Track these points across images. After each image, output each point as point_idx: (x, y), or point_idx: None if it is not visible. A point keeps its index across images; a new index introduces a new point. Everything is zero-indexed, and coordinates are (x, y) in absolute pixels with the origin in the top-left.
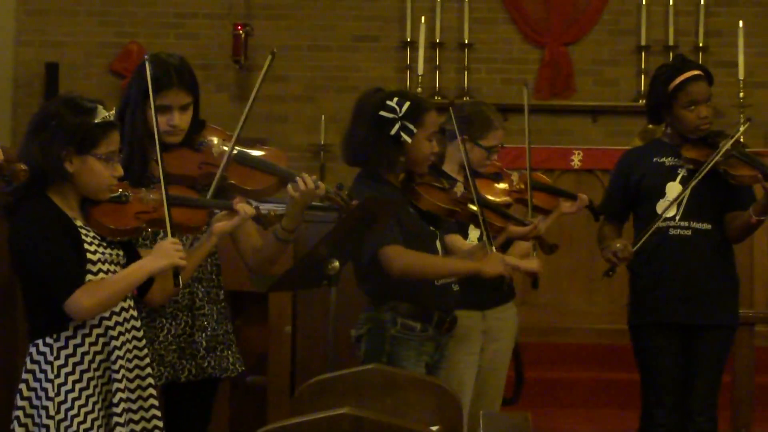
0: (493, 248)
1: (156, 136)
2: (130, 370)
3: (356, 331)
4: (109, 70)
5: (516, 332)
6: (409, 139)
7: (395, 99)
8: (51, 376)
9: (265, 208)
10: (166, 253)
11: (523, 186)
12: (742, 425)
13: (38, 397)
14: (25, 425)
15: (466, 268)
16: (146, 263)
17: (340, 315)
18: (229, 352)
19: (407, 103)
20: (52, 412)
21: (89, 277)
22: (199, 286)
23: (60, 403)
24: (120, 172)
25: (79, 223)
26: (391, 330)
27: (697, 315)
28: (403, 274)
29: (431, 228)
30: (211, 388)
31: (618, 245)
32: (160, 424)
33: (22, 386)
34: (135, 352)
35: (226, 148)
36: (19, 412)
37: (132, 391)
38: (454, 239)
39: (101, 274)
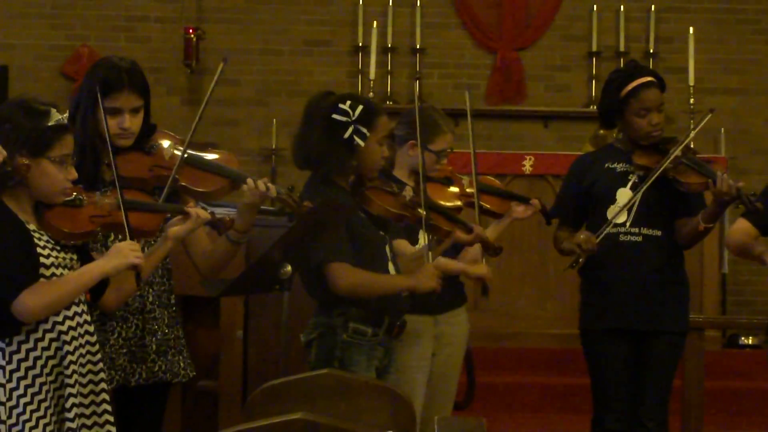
0: (431, 258)
1: (108, 140)
2: (83, 375)
3: (306, 336)
4: (59, 73)
5: (467, 337)
6: (361, 143)
7: (348, 102)
8: (2, 380)
9: (218, 212)
10: (120, 253)
11: (473, 190)
12: (692, 429)
13: None
14: None
15: (405, 284)
16: (99, 264)
17: (292, 320)
18: (180, 357)
19: (360, 107)
20: (3, 417)
21: (41, 280)
22: (149, 290)
23: (11, 408)
24: (74, 175)
25: (32, 227)
26: (343, 335)
27: (647, 321)
28: (347, 293)
29: (381, 233)
30: (162, 393)
31: (582, 237)
32: (113, 429)
33: None
34: (88, 357)
35: (177, 152)
36: None
37: (85, 396)
38: (400, 243)
39: (54, 278)
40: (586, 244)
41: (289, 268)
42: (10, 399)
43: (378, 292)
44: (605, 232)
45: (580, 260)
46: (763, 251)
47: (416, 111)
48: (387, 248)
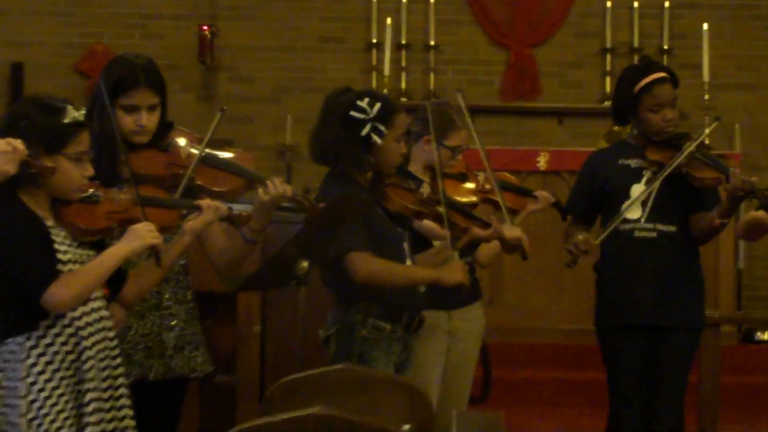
0: (456, 253)
1: (118, 136)
2: (102, 369)
3: (324, 331)
4: (74, 70)
5: (483, 332)
6: (379, 140)
7: (366, 99)
8: (22, 375)
9: (236, 208)
10: (138, 234)
11: (489, 186)
12: (708, 425)
13: (10, 396)
14: None
15: (428, 276)
16: (118, 247)
17: (309, 314)
18: (198, 352)
19: (378, 104)
20: (23, 411)
21: (66, 272)
22: (166, 287)
23: (31, 402)
24: (90, 171)
25: (49, 223)
26: (362, 331)
27: (663, 317)
28: (367, 282)
29: (399, 229)
30: (180, 388)
31: (580, 237)
32: (132, 423)
33: None
34: (106, 351)
35: (193, 150)
36: None
37: (103, 390)
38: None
39: (78, 269)
40: (584, 245)
41: (305, 263)
42: (29, 393)
43: (398, 282)
44: (613, 227)
45: (578, 261)
46: None
47: (422, 109)
48: (405, 244)
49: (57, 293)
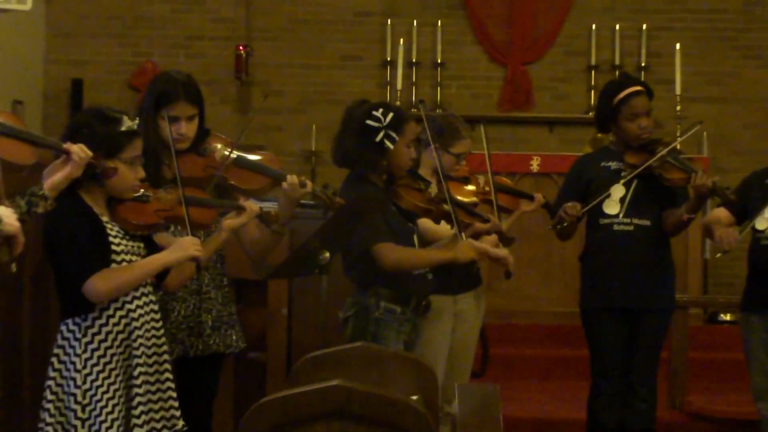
0: (464, 236)
1: (171, 144)
2: (149, 348)
3: (343, 313)
4: (127, 85)
5: (483, 315)
6: (391, 146)
7: (380, 110)
8: (79, 351)
9: (263, 206)
10: (183, 246)
11: (488, 188)
12: (677, 394)
13: (67, 369)
14: (56, 393)
15: (445, 256)
16: (163, 255)
17: (330, 299)
18: (233, 331)
19: (391, 114)
20: (79, 383)
21: (113, 266)
22: (205, 274)
23: (86, 375)
24: (142, 174)
25: (105, 219)
26: (375, 312)
27: (638, 300)
28: (394, 268)
29: (409, 224)
30: (217, 363)
31: (569, 204)
32: (174, 394)
33: (53, 360)
34: (153, 332)
35: (227, 153)
36: (51, 382)
37: (150, 366)
38: (424, 222)
39: (124, 264)
40: (571, 209)
41: (327, 254)
42: (85, 368)
43: (421, 265)
44: (596, 201)
45: (564, 224)
46: (720, 229)
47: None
48: (415, 237)
49: (96, 285)
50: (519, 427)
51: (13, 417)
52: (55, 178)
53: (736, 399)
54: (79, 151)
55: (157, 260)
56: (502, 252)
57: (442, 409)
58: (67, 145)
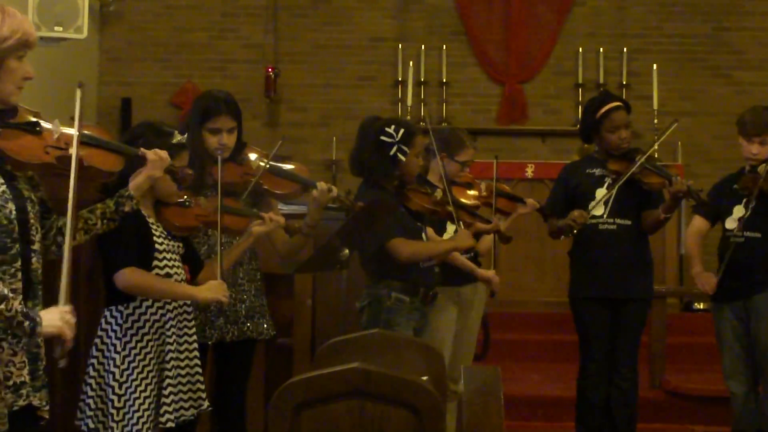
0: (462, 226)
1: (218, 157)
2: (180, 336)
3: (359, 303)
4: (170, 103)
5: (484, 304)
6: (403, 159)
7: (393, 126)
8: (119, 335)
9: (293, 209)
10: (214, 290)
11: (488, 193)
12: (657, 375)
13: (108, 351)
14: (97, 370)
15: (449, 246)
16: (197, 290)
17: (350, 291)
18: (264, 320)
19: (402, 130)
20: (118, 363)
21: (155, 263)
22: (240, 269)
23: (125, 356)
24: (159, 173)
25: (151, 220)
26: (387, 302)
27: (621, 290)
28: (409, 260)
29: (418, 224)
30: (250, 348)
31: (576, 213)
32: (201, 378)
33: (97, 341)
34: (185, 322)
35: (261, 163)
36: (94, 360)
37: (180, 351)
38: (429, 231)
39: (165, 261)
40: (580, 218)
41: (346, 251)
42: (123, 350)
43: (430, 254)
44: (602, 199)
45: (575, 231)
46: (697, 269)
47: (439, 132)
48: (423, 235)
49: (126, 275)
50: (517, 403)
51: (72, 397)
52: (138, 179)
53: (709, 378)
54: (154, 154)
55: (188, 291)
56: (489, 273)
57: (449, 388)
58: (143, 151)
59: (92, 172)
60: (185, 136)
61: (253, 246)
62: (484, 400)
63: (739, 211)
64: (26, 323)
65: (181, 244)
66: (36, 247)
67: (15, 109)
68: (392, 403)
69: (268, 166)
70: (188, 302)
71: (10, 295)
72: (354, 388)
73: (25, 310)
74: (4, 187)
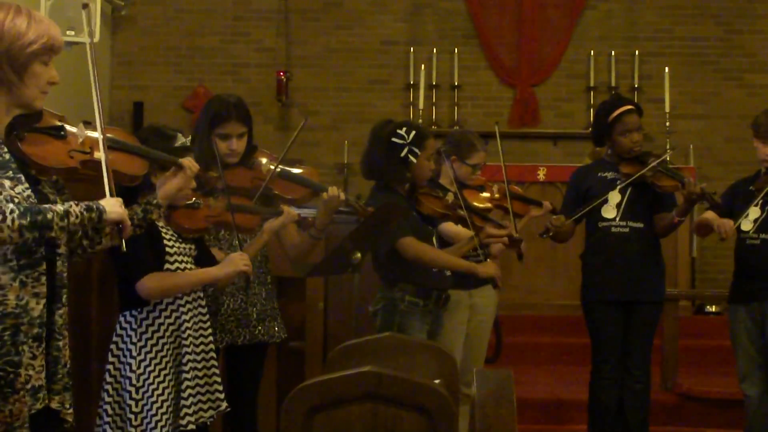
0: (477, 239)
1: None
2: (197, 338)
3: (373, 307)
4: (181, 107)
5: (496, 307)
6: (414, 161)
7: (404, 129)
8: (135, 340)
9: (303, 212)
10: (233, 262)
11: (500, 195)
12: (669, 377)
13: (124, 356)
14: (114, 376)
15: (465, 266)
16: (215, 270)
17: (362, 295)
18: (275, 323)
19: (413, 132)
20: (134, 368)
21: (167, 266)
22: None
23: (141, 361)
24: (194, 184)
25: (160, 224)
26: (401, 306)
27: (634, 293)
28: (414, 260)
29: (429, 227)
30: (262, 351)
31: (554, 218)
32: (219, 379)
33: (113, 347)
34: (201, 324)
35: (272, 167)
36: (110, 366)
37: (197, 354)
38: (448, 224)
39: (176, 264)
40: (556, 221)
41: (358, 255)
42: (139, 354)
43: (440, 264)
44: (583, 212)
45: (551, 233)
46: (718, 220)
47: (450, 135)
48: (434, 239)
49: (148, 284)
50: (530, 406)
51: (83, 401)
52: (166, 188)
53: (721, 381)
54: (191, 165)
55: (208, 274)
56: (490, 270)
57: (461, 392)
58: (181, 161)
59: (115, 176)
60: (189, 138)
61: (264, 248)
62: (497, 404)
63: (755, 213)
64: (93, 214)
65: (193, 246)
66: (61, 250)
67: (40, 114)
68: (405, 407)
69: (278, 170)
70: (203, 305)
71: (66, 204)
72: (366, 392)
73: (85, 204)
74: (29, 191)
